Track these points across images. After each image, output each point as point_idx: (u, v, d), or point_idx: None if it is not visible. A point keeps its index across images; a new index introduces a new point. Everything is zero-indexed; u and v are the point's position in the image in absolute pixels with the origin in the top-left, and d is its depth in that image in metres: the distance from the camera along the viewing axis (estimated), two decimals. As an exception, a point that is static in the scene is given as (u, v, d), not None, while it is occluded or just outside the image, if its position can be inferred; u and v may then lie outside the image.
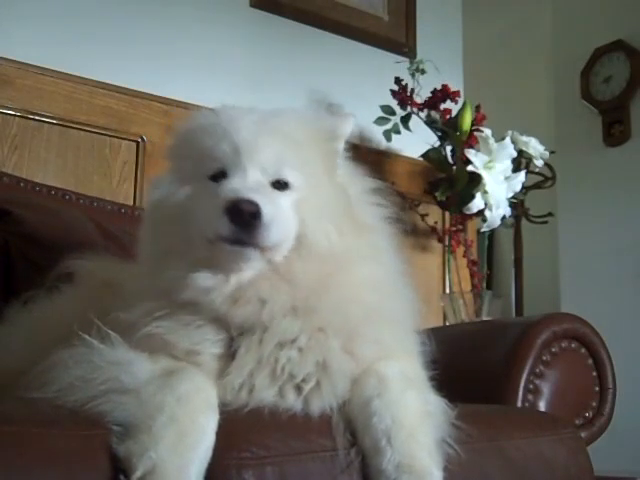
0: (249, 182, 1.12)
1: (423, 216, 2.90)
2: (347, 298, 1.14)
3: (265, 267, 1.11)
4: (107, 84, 2.40)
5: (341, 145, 1.25)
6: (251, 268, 1.10)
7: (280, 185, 1.15)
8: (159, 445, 0.91)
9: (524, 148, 2.74)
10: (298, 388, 1.09)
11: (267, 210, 1.07)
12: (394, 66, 2.88)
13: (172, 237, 1.15)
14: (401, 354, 1.19)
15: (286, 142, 1.17)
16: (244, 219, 1.06)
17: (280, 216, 1.10)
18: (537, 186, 3.10)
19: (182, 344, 1.09)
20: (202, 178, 1.16)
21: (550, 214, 3.19)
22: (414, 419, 1.06)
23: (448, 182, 2.70)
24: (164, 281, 1.12)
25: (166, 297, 1.12)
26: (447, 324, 2.69)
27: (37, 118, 2.27)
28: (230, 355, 1.10)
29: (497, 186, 2.54)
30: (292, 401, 1.08)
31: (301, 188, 1.16)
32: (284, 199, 1.13)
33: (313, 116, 1.29)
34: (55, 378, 1.05)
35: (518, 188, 2.64)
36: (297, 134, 1.19)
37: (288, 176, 1.15)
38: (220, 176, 1.14)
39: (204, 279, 1.10)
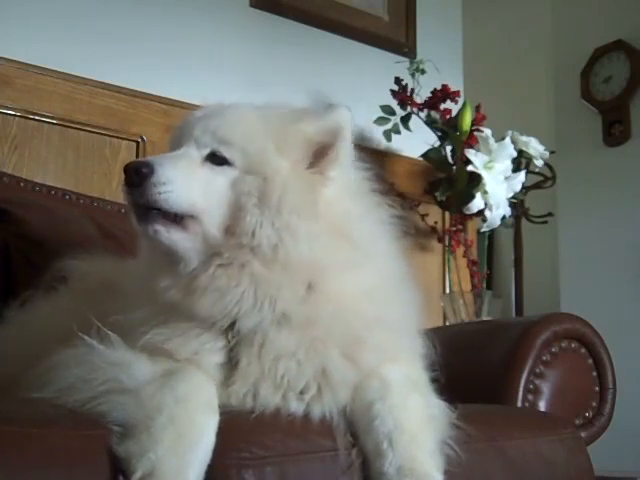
0: (173, 154, 1.13)
1: (423, 216, 2.90)
2: (344, 308, 1.11)
3: (209, 254, 1.09)
4: (107, 84, 2.40)
5: (325, 139, 1.15)
6: (184, 248, 1.08)
7: (216, 159, 1.12)
8: (158, 446, 0.91)
9: (524, 148, 2.74)
10: (300, 396, 1.08)
11: (161, 169, 1.06)
12: (394, 66, 2.88)
13: None
14: (404, 358, 1.19)
15: (226, 121, 1.14)
16: (131, 177, 1.06)
17: (186, 181, 1.08)
18: (537, 186, 3.09)
19: (182, 353, 1.08)
20: None
21: (550, 214, 3.19)
22: (416, 423, 1.06)
23: (448, 182, 2.70)
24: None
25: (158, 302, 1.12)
26: (447, 324, 2.69)
27: (37, 118, 2.27)
28: (232, 364, 1.09)
29: (497, 186, 2.54)
30: (295, 407, 1.07)
31: (242, 168, 1.12)
32: (218, 174, 1.11)
33: (295, 109, 1.22)
34: (55, 378, 1.05)
35: (518, 188, 2.64)
36: (246, 118, 1.16)
37: (224, 152, 1.12)
38: None
39: (160, 277, 1.10)
